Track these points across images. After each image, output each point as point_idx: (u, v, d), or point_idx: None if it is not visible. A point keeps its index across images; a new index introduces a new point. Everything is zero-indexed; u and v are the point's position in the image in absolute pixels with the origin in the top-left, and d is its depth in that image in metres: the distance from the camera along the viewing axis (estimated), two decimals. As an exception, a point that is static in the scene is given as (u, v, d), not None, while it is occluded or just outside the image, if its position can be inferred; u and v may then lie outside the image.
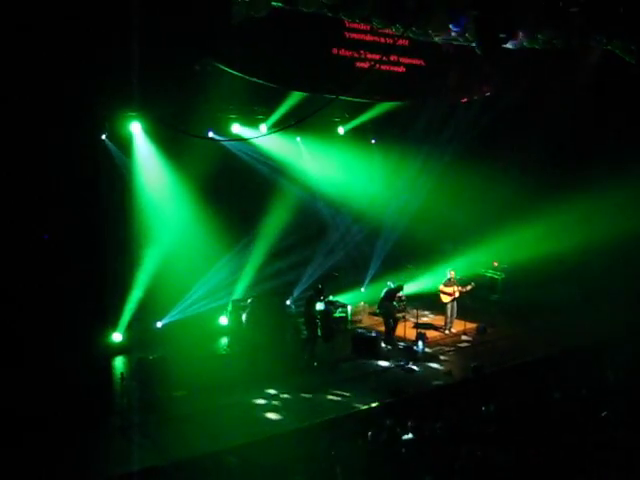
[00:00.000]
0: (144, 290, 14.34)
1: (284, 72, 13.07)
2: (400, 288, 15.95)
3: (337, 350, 14.56)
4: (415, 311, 16.47)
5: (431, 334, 15.73)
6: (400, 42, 13.09)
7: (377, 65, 13.38)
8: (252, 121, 15.87)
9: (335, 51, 13.82)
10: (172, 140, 13.94)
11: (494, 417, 9.88)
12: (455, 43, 10.75)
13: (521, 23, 9.59)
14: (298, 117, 14.03)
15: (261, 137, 15.48)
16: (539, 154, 18.17)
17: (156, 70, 10.79)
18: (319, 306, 14.48)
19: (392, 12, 9.27)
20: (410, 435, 9.21)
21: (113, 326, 14.15)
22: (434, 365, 14.06)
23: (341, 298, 17.08)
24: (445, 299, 16.13)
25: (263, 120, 15.85)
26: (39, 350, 11.70)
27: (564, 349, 14.61)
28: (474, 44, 9.90)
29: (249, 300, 14.86)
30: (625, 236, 15.78)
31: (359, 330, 15.80)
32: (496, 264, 18.96)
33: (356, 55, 14.07)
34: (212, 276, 15.61)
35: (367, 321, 16.95)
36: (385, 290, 15.75)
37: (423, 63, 15.14)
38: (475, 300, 16.93)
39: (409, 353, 14.48)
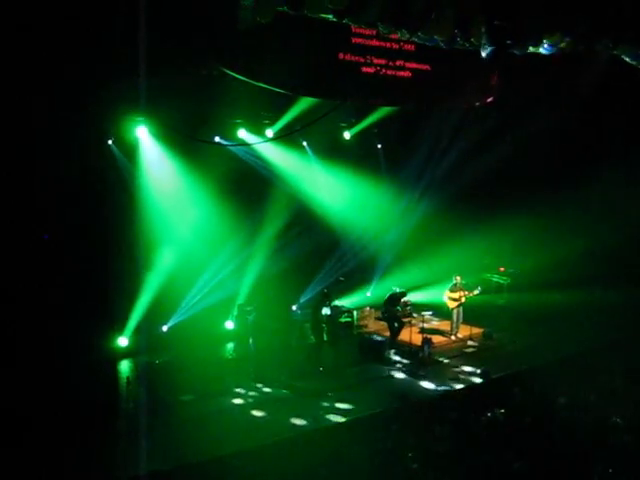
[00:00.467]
0: (150, 294, 14.36)
1: (290, 77, 13.07)
2: (404, 294, 15.94)
3: (343, 355, 14.55)
4: (421, 316, 16.44)
5: (437, 339, 15.70)
6: (406, 47, 13.09)
7: (383, 70, 13.38)
8: (258, 126, 15.89)
9: (341, 56, 13.81)
10: (180, 145, 13.98)
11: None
12: (461, 48, 10.74)
13: (528, 29, 9.58)
14: (304, 122, 14.08)
15: (267, 142, 15.50)
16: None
17: (162, 75, 10.84)
18: (325, 311, 14.48)
19: (398, 17, 9.28)
20: None
21: (119, 330, 14.18)
22: (440, 370, 14.03)
23: (347, 303, 17.07)
24: (451, 304, 16.11)
25: (269, 125, 15.87)
26: (45, 354, 11.75)
27: (571, 354, 14.55)
28: (480, 49, 9.91)
29: (254, 305, 14.87)
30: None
31: (365, 335, 15.79)
32: (502, 269, 18.93)
33: (362, 60, 14.06)
34: (216, 272, 15.62)
35: (373, 326, 16.94)
36: (389, 294, 15.75)
37: (429, 68, 15.13)
38: (481, 305, 16.92)
39: (415, 358, 14.45)
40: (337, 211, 17.86)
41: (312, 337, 14.52)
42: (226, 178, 15.06)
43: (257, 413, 11.67)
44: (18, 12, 10.21)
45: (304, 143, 17.20)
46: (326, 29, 11.67)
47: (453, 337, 16.14)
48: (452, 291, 16.04)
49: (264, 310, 14.45)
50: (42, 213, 12.30)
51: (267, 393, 12.55)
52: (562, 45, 10.04)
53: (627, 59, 10.65)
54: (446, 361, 14.58)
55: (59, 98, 11.39)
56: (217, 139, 15.01)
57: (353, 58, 13.86)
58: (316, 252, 17.16)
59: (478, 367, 13.58)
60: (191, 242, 14.92)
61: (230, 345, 15.32)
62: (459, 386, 13.00)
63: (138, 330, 14.35)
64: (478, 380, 13.15)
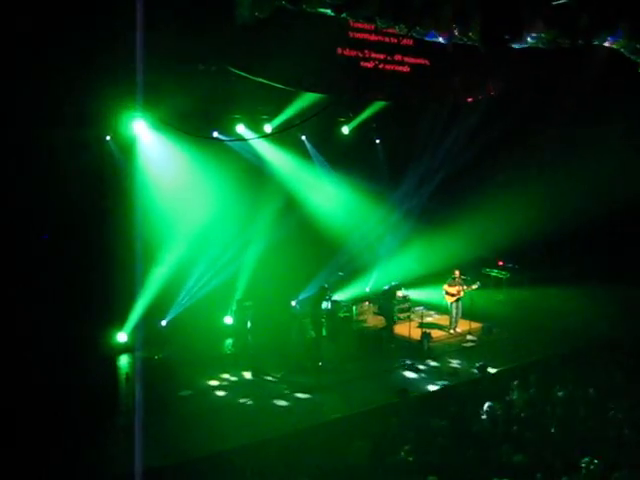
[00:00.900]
0: (149, 289, 14.36)
1: (288, 72, 13.06)
2: (398, 287, 15.98)
3: (342, 350, 14.57)
4: (420, 311, 16.47)
5: (436, 334, 15.71)
6: (405, 42, 13.08)
7: (382, 65, 13.37)
8: (256, 121, 15.86)
9: (340, 51, 13.80)
10: (178, 140, 13.94)
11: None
12: (460, 42, 10.72)
13: (527, 23, 9.55)
14: (302, 117, 14.07)
15: (266, 137, 15.48)
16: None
17: (161, 70, 10.80)
18: (324, 305, 14.48)
19: (396, 12, 9.25)
20: None
21: (118, 326, 14.18)
22: (439, 364, 14.06)
23: (346, 298, 17.09)
24: (449, 299, 16.13)
25: (268, 120, 15.84)
26: (44, 350, 11.75)
27: (570, 349, 14.58)
28: (478, 43, 9.88)
29: (253, 301, 14.89)
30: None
31: (364, 330, 15.80)
32: (501, 263, 18.98)
33: (360, 55, 14.05)
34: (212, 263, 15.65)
35: (372, 321, 16.95)
36: (384, 289, 15.82)
37: (428, 63, 15.11)
38: (480, 300, 16.95)
39: (414, 352, 14.47)
40: (337, 207, 17.90)
41: (311, 332, 14.53)
42: (224, 173, 15.05)
43: (256, 408, 11.69)
44: (15, 5, 10.17)
45: (303, 137, 17.18)
46: (324, 24, 11.66)
47: (452, 332, 16.15)
48: (451, 285, 16.06)
49: (263, 305, 14.46)
50: (40, 212, 12.27)
51: (266, 388, 12.57)
52: (560, 39, 10.03)
53: (625, 53, 10.64)
54: (445, 356, 14.60)
55: (53, 91, 11.30)
56: (215, 134, 14.99)
57: (352, 53, 13.86)
58: (316, 248, 17.15)
59: (477, 362, 13.59)
60: (191, 236, 14.91)
61: (229, 340, 15.33)
62: (458, 381, 13.03)
63: (137, 326, 14.36)
64: (477, 374, 13.17)
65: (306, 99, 14.74)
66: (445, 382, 12.98)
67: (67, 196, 12.42)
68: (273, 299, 16.13)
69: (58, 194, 12.32)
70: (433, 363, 14.12)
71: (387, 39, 14.15)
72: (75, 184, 12.51)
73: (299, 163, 17.09)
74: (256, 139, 15.72)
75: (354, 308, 16.76)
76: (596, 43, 9.55)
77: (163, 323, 15.04)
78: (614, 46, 10.02)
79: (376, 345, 14.82)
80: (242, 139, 15.76)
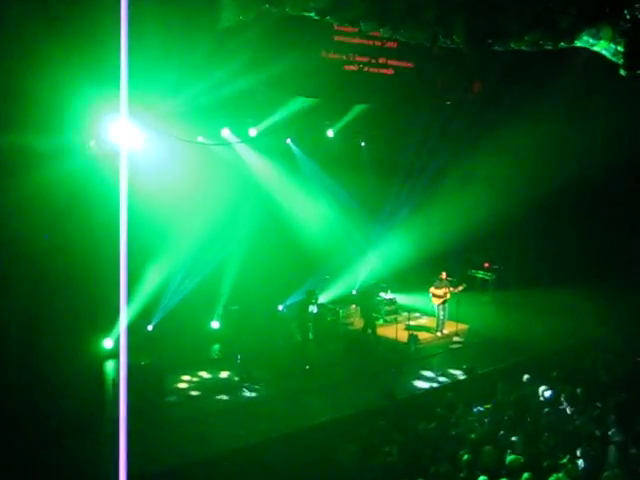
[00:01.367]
0: (136, 295, 14.27)
1: (273, 75, 13.05)
2: (380, 287, 16.04)
3: (329, 353, 14.56)
4: (407, 313, 16.50)
5: (423, 336, 15.73)
6: (389, 44, 13.13)
7: (366, 67, 13.41)
8: (242, 125, 15.81)
9: (324, 54, 13.83)
10: (164, 145, 13.87)
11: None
12: (443, 46, 10.77)
13: (509, 26, 9.61)
14: (288, 121, 14.07)
15: (250, 140, 15.45)
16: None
17: (145, 73, 10.71)
18: (311, 309, 14.47)
19: (380, 15, 9.28)
20: None
21: (105, 332, 14.07)
22: (426, 366, 14.09)
23: (333, 301, 17.08)
24: (436, 301, 16.15)
25: (252, 124, 15.79)
26: (30, 356, 11.62)
27: (558, 348, 14.68)
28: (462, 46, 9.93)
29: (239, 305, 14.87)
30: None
31: (351, 333, 15.81)
32: (487, 265, 19.05)
33: (345, 58, 14.08)
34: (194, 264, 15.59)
35: (359, 323, 16.94)
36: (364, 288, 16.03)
37: (412, 65, 15.17)
38: (466, 301, 17.01)
39: (401, 355, 14.49)
40: (323, 210, 17.92)
41: (298, 336, 14.51)
42: (211, 178, 15.00)
43: (243, 413, 11.64)
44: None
45: (288, 140, 17.17)
46: (308, 27, 11.67)
47: (439, 333, 16.18)
48: (437, 287, 16.09)
49: (250, 309, 14.43)
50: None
51: (253, 393, 12.52)
52: (543, 42, 10.10)
53: (606, 55, 10.73)
54: (432, 358, 14.63)
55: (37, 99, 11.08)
56: (200, 139, 14.93)
57: (336, 56, 13.88)
58: (303, 252, 17.13)
59: (464, 363, 13.63)
60: (177, 239, 14.86)
61: (216, 346, 15.27)
62: (445, 382, 13.05)
63: (123, 331, 14.20)
64: (464, 376, 13.21)
65: (291, 103, 14.74)
66: (432, 384, 13.00)
67: (51, 204, 12.24)
68: (259, 303, 16.10)
69: (43, 203, 12.14)
70: (420, 365, 14.14)
71: (371, 42, 14.20)
72: (58, 189, 12.36)
73: (285, 167, 17.06)
74: (241, 143, 15.66)
75: (341, 311, 16.76)
76: (578, 45, 9.61)
77: (149, 328, 14.96)
78: (595, 48, 10.10)
79: (363, 348, 14.81)
80: (227, 144, 15.72)
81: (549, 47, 10.29)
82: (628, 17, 8.70)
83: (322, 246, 17.83)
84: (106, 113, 13.00)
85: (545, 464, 7.86)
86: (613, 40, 9.73)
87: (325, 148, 17.66)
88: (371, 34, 13.04)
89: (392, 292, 17.55)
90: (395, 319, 16.09)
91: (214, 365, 14.07)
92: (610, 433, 8.97)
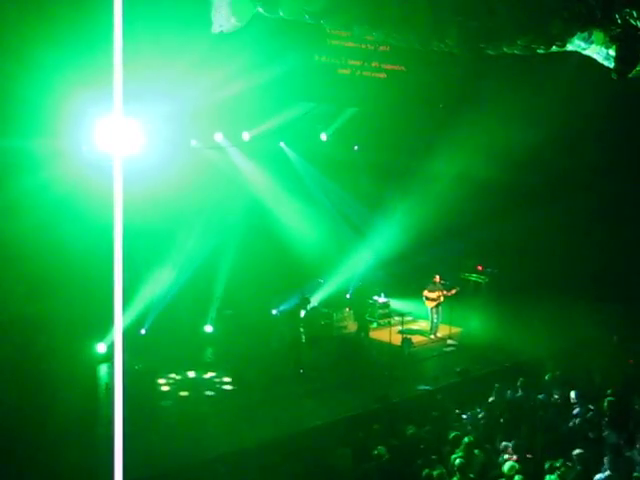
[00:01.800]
0: (128, 298, 14.24)
1: (266, 79, 13.06)
2: (366, 288, 16.07)
3: (323, 357, 14.56)
4: (400, 317, 16.51)
5: (417, 339, 15.74)
6: (381, 48, 13.16)
7: (359, 71, 13.44)
8: (235, 130, 15.81)
9: (317, 57, 13.85)
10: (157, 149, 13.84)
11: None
12: (435, 49, 10.81)
13: (502, 31, 9.66)
14: (281, 124, 14.07)
15: (244, 144, 15.45)
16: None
17: (139, 77, 10.70)
18: (304, 313, 14.46)
19: (373, 20, 9.30)
20: None
21: (98, 336, 14.03)
22: (420, 370, 14.10)
23: (326, 304, 17.08)
24: (429, 304, 16.18)
25: (246, 128, 15.80)
26: (23, 361, 11.58)
27: (549, 352, 14.68)
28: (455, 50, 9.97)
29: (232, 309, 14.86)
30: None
31: (345, 336, 15.81)
32: (480, 268, 19.09)
33: (338, 61, 14.11)
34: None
35: (352, 327, 16.96)
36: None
37: (404, 69, 15.21)
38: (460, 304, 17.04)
39: (395, 358, 14.49)
40: (317, 213, 17.93)
41: (292, 339, 14.49)
42: (203, 182, 14.99)
43: (237, 417, 11.62)
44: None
45: (281, 144, 17.18)
46: (302, 31, 11.70)
47: (432, 337, 16.20)
48: (431, 291, 16.11)
49: (243, 313, 14.43)
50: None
51: (247, 396, 12.50)
52: (535, 45, 10.15)
53: (598, 59, 10.80)
54: (426, 361, 14.65)
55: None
56: (193, 142, 14.93)
57: (329, 60, 13.89)
58: (297, 256, 17.12)
59: (458, 366, 13.65)
60: (171, 244, 14.86)
61: (209, 349, 15.24)
62: (439, 386, 13.06)
63: (117, 335, 14.16)
64: (458, 379, 13.23)
65: (285, 107, 14.76)
66: (426, 387, 13.02)
67: (46, 209, 12.20)
68: (253, 307, 16.08)
69: (40, 206, 12.10)
70: (414, 368, 14.15)
71: (364, 45, 14.23)
72: (49, 194, 12.32)
73: (278, 170, 17.07)
74: (234, 147, 15.67)
75: (334, 315, 16.76)
76: (570, 49, 9.66)
77: (142, 332, 14.92)
78: (587, 52, 10.16)
79: (356, 351, 14.82)
80: (220, 147, 15.72)
81: (541, 51, 10.35)
82: (619, 21, 8.74)
83: (316, 250, 17.83)
84: (100, 117, 13.02)
85: (538, 467, 7.89)
86: (605, 44, 9.80)
87: (319, 151, 17.69)
88: (364, 37, 13.12)
89: (385, 296, 17.58)
90: (389, 322, 16.11)
91: (207, 368, 14.06)
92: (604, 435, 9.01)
